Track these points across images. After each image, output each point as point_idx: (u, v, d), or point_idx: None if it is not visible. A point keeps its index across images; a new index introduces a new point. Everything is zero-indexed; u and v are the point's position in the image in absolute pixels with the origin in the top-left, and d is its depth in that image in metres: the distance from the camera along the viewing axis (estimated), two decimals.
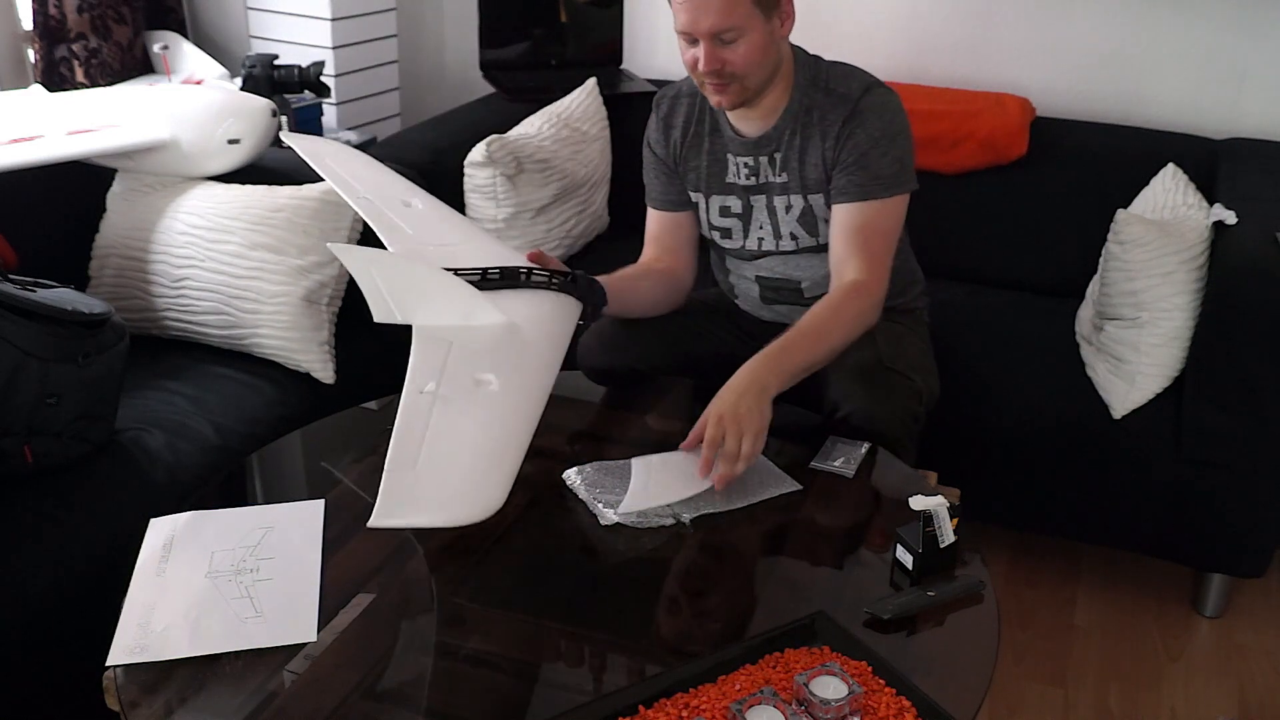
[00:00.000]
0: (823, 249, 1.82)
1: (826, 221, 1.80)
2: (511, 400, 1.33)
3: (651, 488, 1.45)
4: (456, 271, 1.51)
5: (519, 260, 1.58)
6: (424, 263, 1.49)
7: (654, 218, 1.94)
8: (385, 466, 1.18)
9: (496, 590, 1.34)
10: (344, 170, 1.77)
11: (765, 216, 1.84)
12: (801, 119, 1.76)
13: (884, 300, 1.73)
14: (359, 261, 1.43)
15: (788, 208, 1.81)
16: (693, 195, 1.89)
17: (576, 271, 1.64)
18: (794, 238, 1.83)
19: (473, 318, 1.46)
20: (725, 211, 1.87)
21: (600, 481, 1.48)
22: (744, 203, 1.85)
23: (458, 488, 1.17)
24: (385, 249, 1.53)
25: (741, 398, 1.49)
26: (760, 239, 1.86)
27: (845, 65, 1.79)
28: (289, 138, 1.83)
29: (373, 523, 1.12)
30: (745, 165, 1.82)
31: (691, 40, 1.67)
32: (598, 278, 1.74)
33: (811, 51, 1.81)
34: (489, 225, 2.36)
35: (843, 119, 1.73)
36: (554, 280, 1.58)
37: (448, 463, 1.20)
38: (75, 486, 1.66)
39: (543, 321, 1.51)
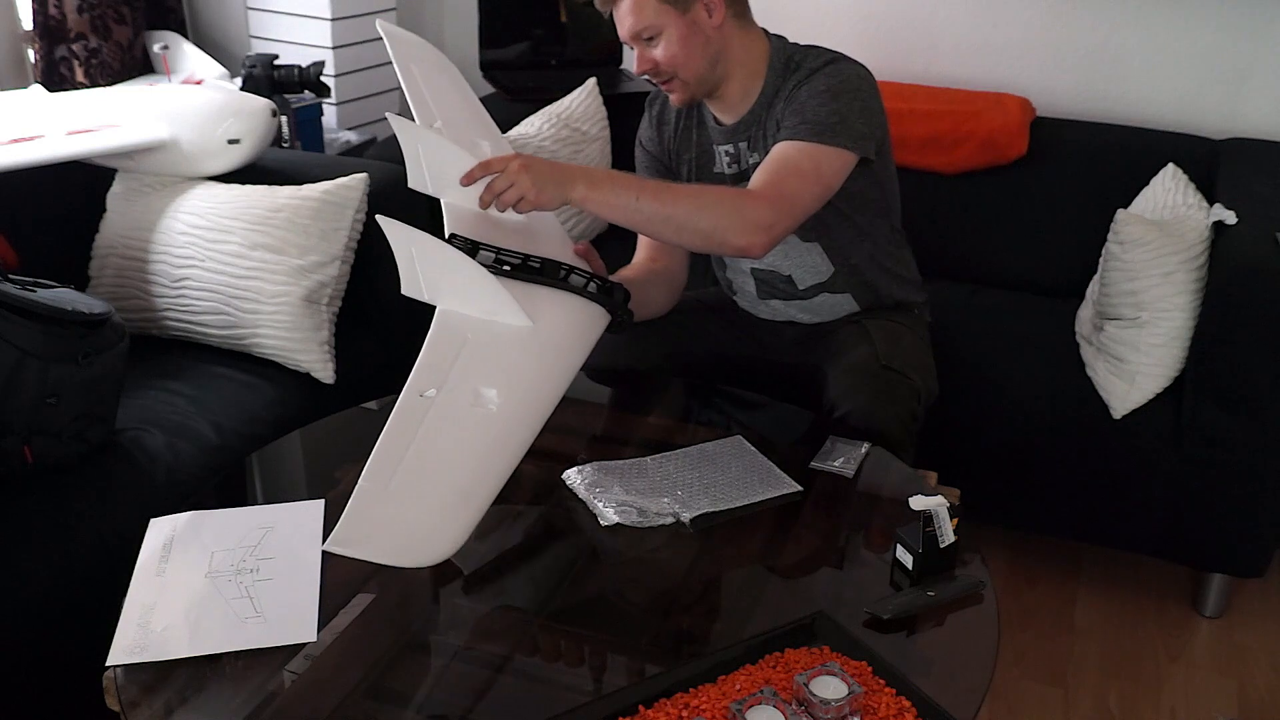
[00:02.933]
0: (809, 239, 1.82)
1: None
2: (504, 427, 1.31)
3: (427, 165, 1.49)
4: (499, 250, 1.48)
5: (567, 249, 1.55)
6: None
7: None
8: (360, 477, 1.18)
9: (496, 590, 1.34)
10: (427, 85, 1.70)
11: None
12: (772, 100, 1.77)
13: (763, 227, 1.57)
14: (400, 236, 1.41)
15: None
16: None
17: (616, 283, 1.63)
18: None
19: (495, 314, 1.43)
20: None
21: (600, 481, 1.48)
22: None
23: (419, 528, 1.16)
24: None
25: (551, 168, 1.52)
26: None
27: (820, 48, 1.79)
28: (383, 27, 1.77)
29: (328, 547, 1.13)
30: (728, 153, 1.83)
31: (631, 47, 1.75)
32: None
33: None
34: None
35: (794, 85, 1.73)
36: (589, 287, 1.56)
37: (418, 495, 1.19)
38: (75, 486, 1.66)
39: (564, 332, 1.48)
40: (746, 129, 1.80)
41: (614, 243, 2.67)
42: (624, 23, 1.73)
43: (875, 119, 1.73)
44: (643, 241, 1.94)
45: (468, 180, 1.51)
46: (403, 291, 1.43)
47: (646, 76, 1.77)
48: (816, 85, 1.70)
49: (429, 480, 1.21)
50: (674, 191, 1.61)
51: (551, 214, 1.71)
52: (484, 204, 1.51)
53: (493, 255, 1.47)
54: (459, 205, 1.51)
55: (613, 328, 1.62)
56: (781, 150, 1.67)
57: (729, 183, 1.85)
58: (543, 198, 1.50)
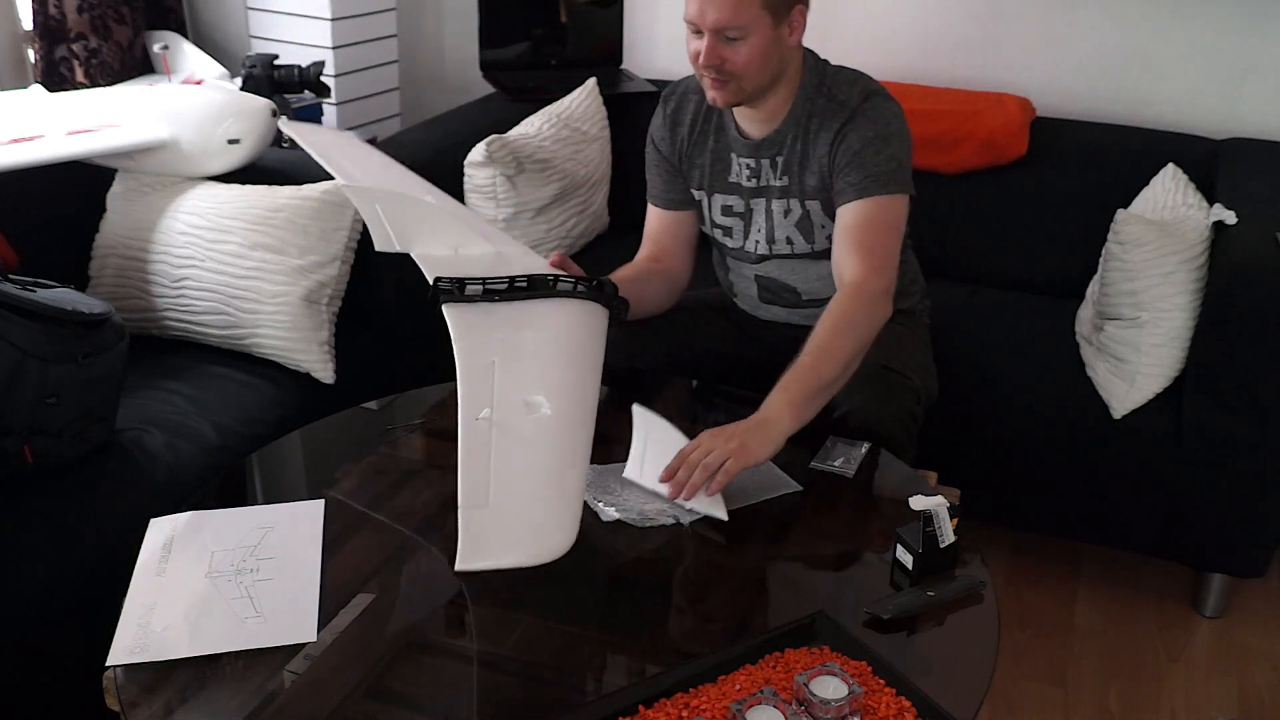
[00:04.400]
0: (820, 256, 1.82)
1: (824, 229, 1.80)
2: (565, 424, 1.34)
3: (645, 469, 1.47)
4: (485, 281, 1.51)
5: (539, 261, 1.57)
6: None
7: (654, 215, 1.94)
8: (459, 504, 1.19)
9: (496, 590, 1.34)
10: (352, 166, 1.75)
11: (764, 219, 1.84)
12: (804, 124, 1.76)
13: (889, 293, 1.67)
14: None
15: (786, 212, 1.81)
16: (695, 193, 1.89)
17: (603, 278, 1.64)
18: (790, 242, 1.83)
19: (511, 333, 1.46)
20: (727, 210, 1.87)
21: (600, 482, 1.48)
22: (745, 203, 1.85)
23: (533, 524, 1.19)
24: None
25: (746, 431, 1.46)
26: (758, 241, 1.86)
27: (851, 71, 1.79)
28: (288, 126, 1.82)
29: (460, 566, 1.12)
30: (748, 166, 1.82)
31: (697, 32, 1.67)
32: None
33: (816, 52, 1.81)
34: None
35: (839, 125, 1.72)
36: (579, 288, 1.58)
37: (519, 498, 1.21)
38: (75, 486, 1.66)
39: (578, 333, 1.51)
40: (773, 146, 1.79)
41: (607, 242, 2.67)
42: (713, 11, 1.63)
43: (911, 152, 1.77)
44: (648, 237, 1.94)
45: (669, 475, 1.42)
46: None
47: (706, 69, 1.68)
48: (864, 132, 1.70)
49: (522, 486, 1.23)
50: (827, 344, 1.58)
51: (509, 236, 1.72)
52: (678, 486, 1.41)
53: (480, 286, 1.51)
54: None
55: (610, 321, 1.64)
56: (856, 213, 1.70)
57: (745, 195, 1.84)
58: (749, 449, 1.44)
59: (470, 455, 1.26)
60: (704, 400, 1.83)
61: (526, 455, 1.27)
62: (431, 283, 1.51)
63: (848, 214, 1.72)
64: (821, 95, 1.75)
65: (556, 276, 1.56)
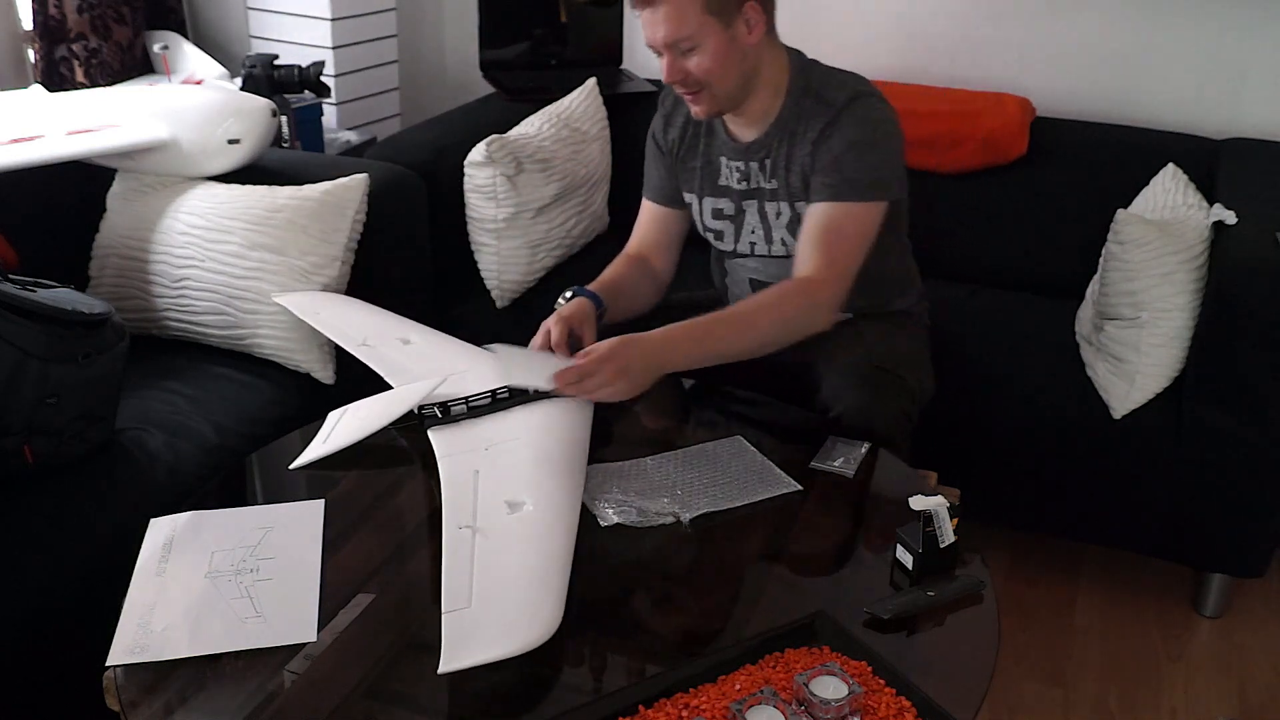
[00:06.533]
0: None
1: None
2: (548, 516, 1.35)
3: (513, 370, 1.56)
4: (468, 399, 1.56)
5: (525, 369, 1.59)
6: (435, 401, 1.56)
7: (647, 209, 1.96)
8: (442, 608, 1.20)
9: None
10: (338, 319, 1.88)
11: (757, 221, 1.84)
12: (791, 126, 1.75)
13: (835, 305, 1.68)
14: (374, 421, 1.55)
15: (778, 214, 1.81)
16: (686, 196, 1.90)
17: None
18: (784, 244, 1.83)
19: (494, 442, 1.49)
20: (718, 214, 1.87)
21: (599, 483, 1.48)
22: (736, 206, 1.85)
23: (515, 615, 1.19)
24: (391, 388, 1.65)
25: (638, 361, 1.53)
26: (752, 243, 1.86)
27: (841, 73, 1.77)
28: (280, 298, 1.93)
29: (443, 668, 1.13)
30: (738, 170, 1.82)
31: (658, 52, 1.70)
32: (589, 287, 1.78)
33: (811, 53, 1.81)
34: (489, 225, 2.36)
35: (822, 126, 1.71)
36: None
37: (501, 594, 1.23)
38: (75, 486, 1.66)
39: (560, 428, 1.53)
40: (761, 149, 1.79)
41: (607, 243, 2.67)
42: (659, 28, 1.66)
43: (900, 158, 1.75)
44: (638, 230, 1.96)
45: (562, 381, 1.51)
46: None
47: (672, 84, 1.73)
48: (848, 134, 1.69)
49: (505, 583, 1.24)
50: (749, 318, 1.63)
51: (485, 353, 1.74)
52: (561, 380, 1.51)
53: (464, 404, 1.57)
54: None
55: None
56: (826, 214, 1.69)
57: (735, 197, 1.84)
58: (635, 391, 1.54)
59: (453, 560, 1.27)
60: (704, 400, 1.82)
61: (510, 552, 1.29)
62: (416, 411, 1.57)
63: (818, 213, 1.70)
64: (809, 96, 1.74)
65: (536, 390, 1.58)
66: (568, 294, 1.79)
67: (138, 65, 2.89)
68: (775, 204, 1.80)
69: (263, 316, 1.99)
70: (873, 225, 1.72)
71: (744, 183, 1.83)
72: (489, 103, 2.82)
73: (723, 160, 1.84)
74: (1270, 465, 1.99)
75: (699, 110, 1.75)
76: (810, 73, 1.77)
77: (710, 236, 1.92)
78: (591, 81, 2.70)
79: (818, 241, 1.69)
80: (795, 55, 1.78)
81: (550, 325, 1.69)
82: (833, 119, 1.71)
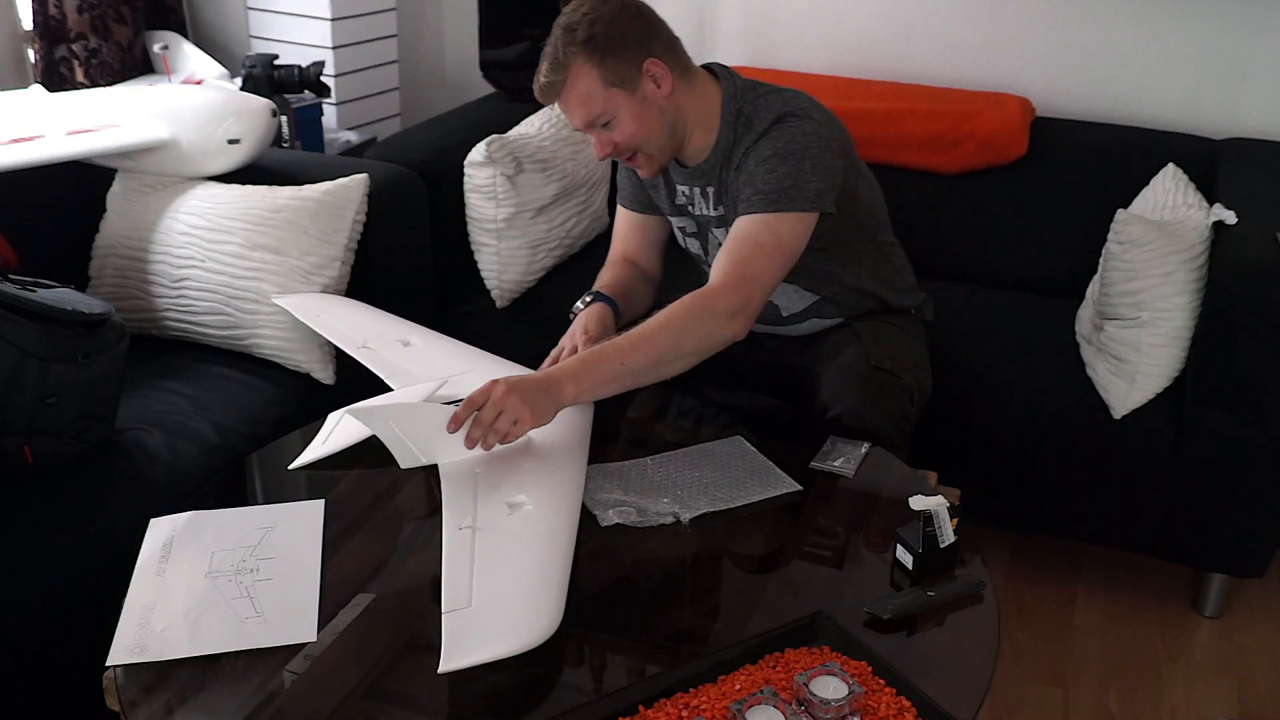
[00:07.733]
0: (786, 280, 1.78)
1: None
2: (548, 515, 1.35)
3: (412, 433, 1.48)
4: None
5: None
6: (435, 405, 1.52)
7: (623, 217, 1.96)
8: (442, 608, 1.20)
9: None
10: (338, 322, 1.88)
11: (717, 244, 1.83)
12: (727, 153, 1.74)
13: (736, 312, 1.60)
14: (379, 420, 1.50)
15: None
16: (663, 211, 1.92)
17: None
18: None
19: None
20: (684, 232, 1.90)
21: (599, 483, 1.48)
22: (695, 224, 1.86)
23: (516, 615, 1.20)
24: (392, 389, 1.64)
25: (534, 382, 1.48)
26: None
27: (775, 95, 1.74)
28: (280, 300, 1.93)
29: (443, 668, 1.13)
30: (684, 193, 1.83)
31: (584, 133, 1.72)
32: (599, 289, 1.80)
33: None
34: (489, 225, 2.36)
35: (746, 148, 1.71)
36: None
37: (501, 594, 1.23)
38: (75, 486, 1.66)
39: (560, 428, 1.53)
40: (704, 176, 1.78)
41: (607, 243, 2.67)
42: (574, 114, 1.69)
43: (830, 170, 1.69)
44: (618, 238, 1.96)
45: (455, 424, 1.43)
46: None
47: (607, 158, 1.75)
48: (763, 151, 1.68)
49: (504, 582, 1.25)
50: (647, 334, 1.57)
51: (489, 355, 1.72)
52: (471, 441, 1.43)
53: None
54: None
55: None
56: (740, 227, 1.67)
57: (693, 218, 1.85)
58: (538, 413, 1.46)
59: (453, 561, 1.27)
60: (704, 400, 1.82)
61: (509, 552, 1.30)
62: None
63: (734, 227, 1.69)
64: (741, 123, 1.73)
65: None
66: (587, 298, 1.80)
67: (138, 65, 2.89)
68: (723, 230, 1.79)
69: (263, 317, 1.99)
70: (790, 236, 1.66)
71: (690, 207, 1.84)
72: (489, 103, 2.82)
73: (675, 184, 1.84)
74: (1270, 465, 1.99)
75: (645, 172, 1.77)
76: (744, 99, 1.74)
77: (689, 251, 1.94)
78: None
79: (724, 252, 1.67)
80: (728, 83, 1.75)
81: (577, 339, 1.70)
82: (754, 141, 1.70)
